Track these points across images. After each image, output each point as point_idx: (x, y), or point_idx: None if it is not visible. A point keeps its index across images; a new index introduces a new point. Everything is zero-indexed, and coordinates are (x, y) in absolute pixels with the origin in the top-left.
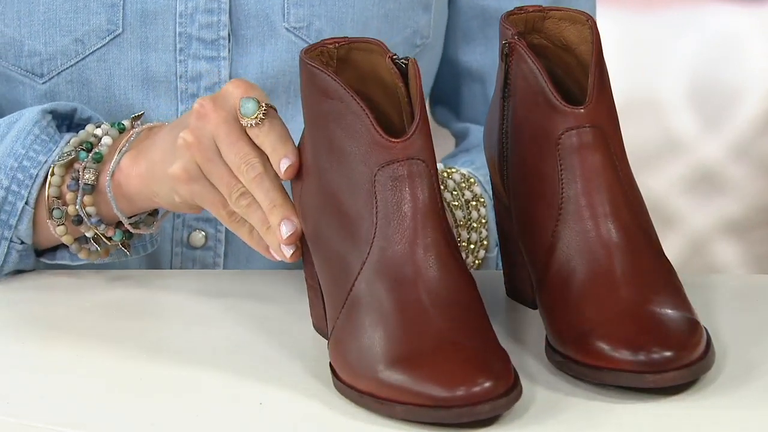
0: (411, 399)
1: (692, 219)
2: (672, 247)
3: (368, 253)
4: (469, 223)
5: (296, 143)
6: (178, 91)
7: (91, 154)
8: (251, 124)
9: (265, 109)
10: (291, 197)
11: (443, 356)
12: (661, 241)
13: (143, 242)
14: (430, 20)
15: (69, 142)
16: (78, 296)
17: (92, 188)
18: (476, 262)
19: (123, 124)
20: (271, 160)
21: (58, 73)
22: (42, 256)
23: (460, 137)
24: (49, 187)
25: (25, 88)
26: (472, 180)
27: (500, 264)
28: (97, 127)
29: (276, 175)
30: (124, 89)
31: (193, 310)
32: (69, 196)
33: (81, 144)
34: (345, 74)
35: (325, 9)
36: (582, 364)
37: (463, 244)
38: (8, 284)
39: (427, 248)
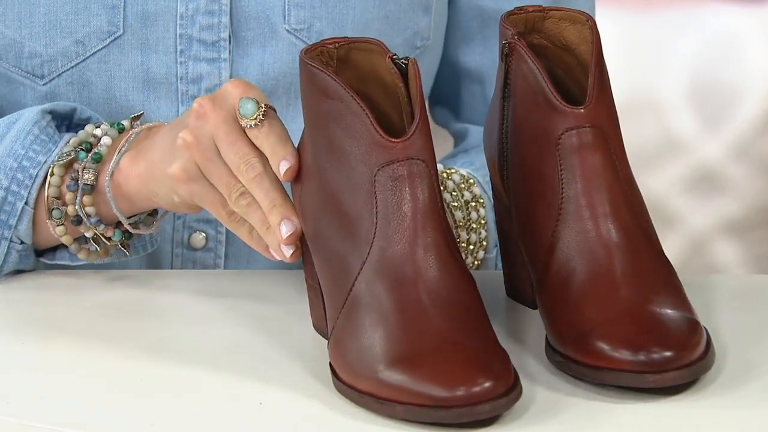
0: (411, 399)
1: (692, 219)
2: (672, 247)
3: (368, 253)
4: (468, 223)
5: (297, 144)
6: (178, 92)
7: (90, 155)
8: (250, 125)
9: (264, 110)
10: (291, 197)
11: (443, 356)
12: (661, 241)
13: (143, 242)
14: (430, 22)
15: (68, 142)
16: (78, 296)
17: (91, 188)
18: (475, 262)
19: (122, 125)
20: (270, 162)
21: (59, 74)
22: (42, 256)
23: (459, 138)
24: (48, 188)
25: (26, 89)
26: (471, 181)
27: (499, 264)
28: (96, 128)
29: (275, 174)
30: (125, 91)
31: (193, 310)
32: (68, 196)
33: (80, 144)
34: (345, 74)
35: (326, 11)
36: (582, 364)
37: (463, 244)
38: (8, 284)
39: (427, 248)
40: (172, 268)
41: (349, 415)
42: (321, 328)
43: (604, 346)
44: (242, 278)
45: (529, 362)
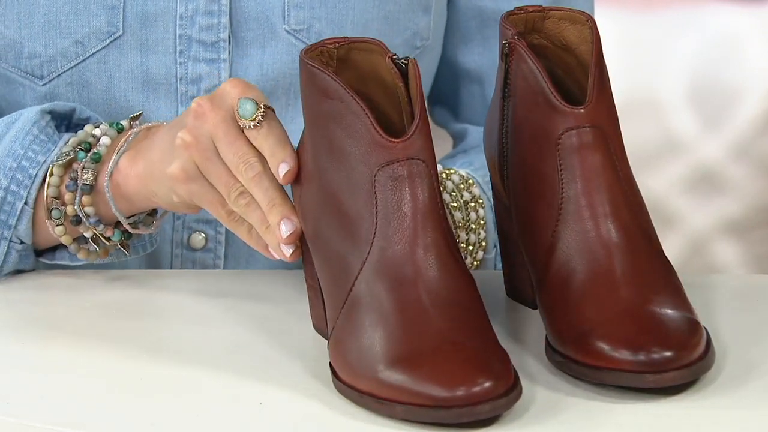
0: (411, 399)
1: (692, 219)
2: (672, 247)
3: (368, 253)
4: (467, 224)
5: (297, 144)
6: (178, 93)
7: (89, 155)
8: (249, 126)
9: (263, 111)
10: (290, 197)
11: (443, 356)
12: (661, 241)
13: (142, 242)
14: (429, 22)
15: (68, 142)
16: (78, 296)
17: (91, 188)
18: (475, 263)
19: (121, 124)
20: (269, 164)
21: (58, 75)
22: (41, 256)
23: (458, 138)
24: (47, 188)
25: (25, 89)
26: (470, 181)
27: (498, 265)
28: (95, 128)
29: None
30: (124, 91)
31: (193, 310)
32: (68, 196)
33: (79, 144)
34: (345, 74)
35: (326, 11)
36: (582, 364)
37: (462, 245)
38: (8, 284)
39: (427, 248)
40: (171, 269)
41: (349, 415)
42: (321, 328)
43: (604, 346)
44: (242, 278)
45: (529, 362)
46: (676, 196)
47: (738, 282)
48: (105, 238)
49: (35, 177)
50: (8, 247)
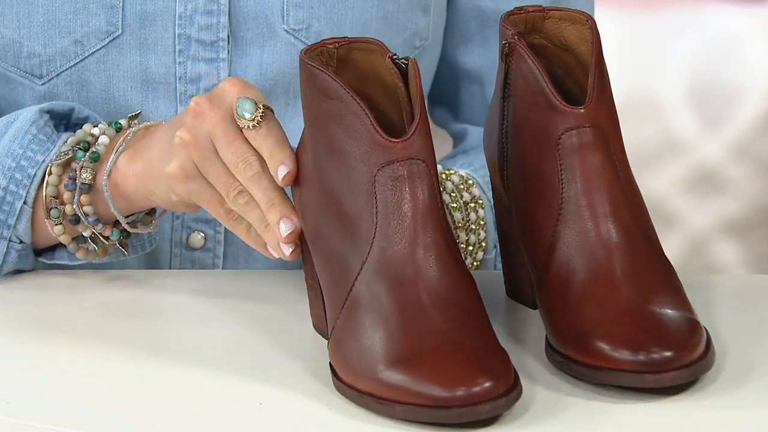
0: (411, 399)
1: (692, 219)
2: (672, 247)
3: (368, 253)
4: (467, 224)
5: (296, 145)
6: (177, 92)
7: (88, 154)
8: (248, 126)
9: (262, 111)
10: (290, 197)
11: (443, 356)
12: (661, 241)
13: (141, 242)
14: (429, 22)
15: (66, 141)
16: (77, 296)
17: (89, 188)
18: (475, 263)
19: (120, 123)
20: (268, 165)
21: (58, 74)
22: (41, 256)
23: (458, 138)
24: (46, 187)
25: (25, 89)
26: (470, 182)
27: (498, 265)
28: (94, 127)
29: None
30: (124, 91)
31: (193, 310)
32: (66, 195)
33: (78, 143)
34: (345, 74)
35: (325, 11)
36: (582, 364)
37: (462, 245)
38: (8, 284)
39: (427, 248)
40: (170, 268)
41: (349, 415)
42: (321, 328)
43: (604, 346)
44: (242, 278)
45: (529, 362)
46: (676, 196)
47: (738, 282)
48: (104, 237)
49: (34, 176)
50: (8, 247)
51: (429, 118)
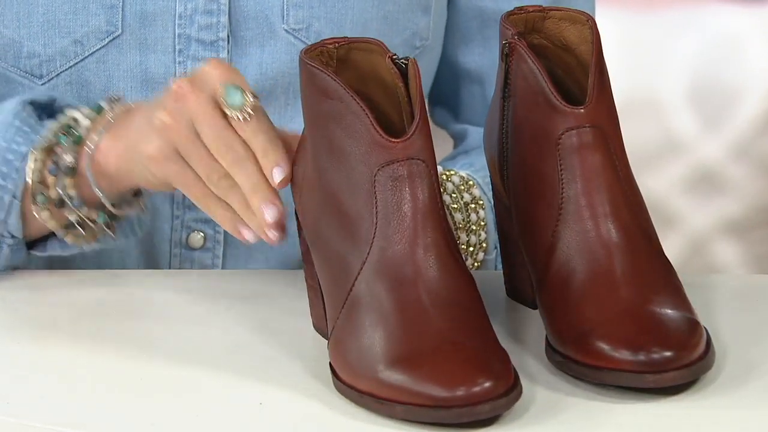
0: (411, 399)
1: (692, 219)
2: (672, 247)
3: (368, 253)
4: (468, 225)
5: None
6: None
7: (70, 137)
8: (237, 117)
9: (252, 103)
10: (291, 196)
11: (443, 356)
12: (661, 241)
13: (130, 224)
14: (429, 22)
15: (49, 127)
16: (76, 296)
17: (73, 171)
18: (475, 264)
19: (101, 105)
20: (261, 164)
21: (57, 74)
22: (33, 249)
23: (458, 139)
24: (32, 173)
25: (24, 89)
26: (471, 182)
27: (499, 266)
28: (75, 111)
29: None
30: (123, 90)
31: (193, 310)
32: (50, 179)
33: (61, 128)
34: (345, 74)
35: (325, 11)
36: (582, 364)
37: (462, 246)
38: (5, 284)
39: (427, 248)
40: (170, 268)
41: (349, 415)
42: (321, 328)
43: (604, 346)
44: (242, 278)
45: (529, 362)
46: (676, 196)
47: (738, 282)
48: (90, 221)
49: (21, 169)
50: None
51: (429, 118)
